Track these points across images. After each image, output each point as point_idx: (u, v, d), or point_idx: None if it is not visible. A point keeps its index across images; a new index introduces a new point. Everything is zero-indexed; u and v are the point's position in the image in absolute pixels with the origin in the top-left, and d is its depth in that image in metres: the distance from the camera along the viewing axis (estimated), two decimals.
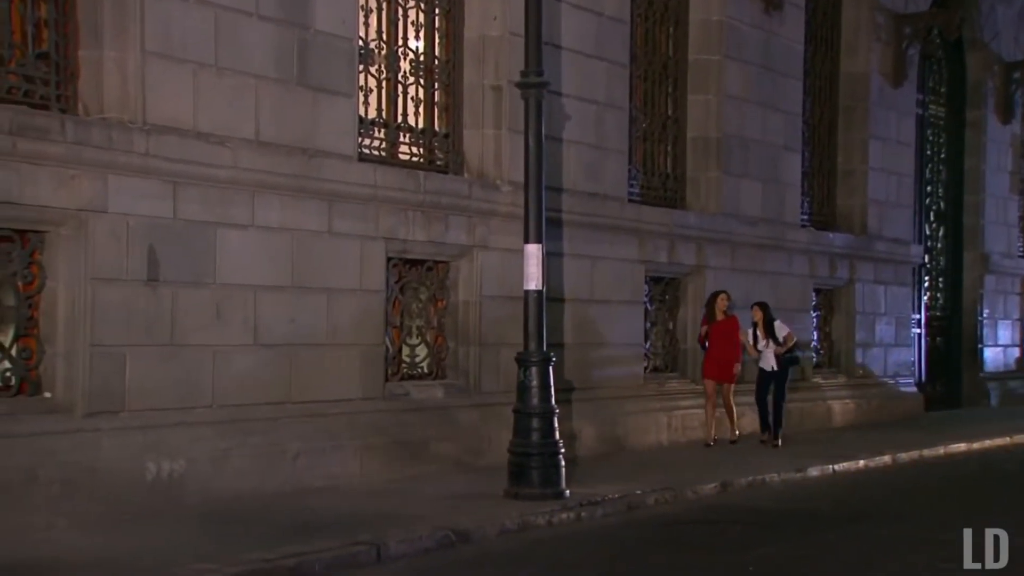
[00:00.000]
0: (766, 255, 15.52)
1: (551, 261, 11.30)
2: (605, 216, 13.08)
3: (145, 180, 8.75)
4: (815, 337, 16.96)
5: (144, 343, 8.78)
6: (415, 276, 11.33)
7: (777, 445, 13.46)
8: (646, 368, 13.95)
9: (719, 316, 13.54)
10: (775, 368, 13.65)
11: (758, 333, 13.66)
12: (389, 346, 10.90)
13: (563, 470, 9.72)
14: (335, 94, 10.22)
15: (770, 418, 13.71)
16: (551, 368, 9.84)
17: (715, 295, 13.67)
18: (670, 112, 14.63)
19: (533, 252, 9.78)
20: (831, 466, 12.33)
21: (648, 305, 14.10)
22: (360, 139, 10.66)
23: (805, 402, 15.99)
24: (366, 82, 10.84)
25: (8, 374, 8.19)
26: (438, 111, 11.63)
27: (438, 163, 11.60)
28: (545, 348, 9.84)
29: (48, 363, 8.37)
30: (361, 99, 10.70)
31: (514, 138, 11.34)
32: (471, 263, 11.56)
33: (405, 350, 11.26)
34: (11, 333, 8.23)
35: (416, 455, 10.74)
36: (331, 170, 10.09)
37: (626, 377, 13.42)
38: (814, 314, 16.90)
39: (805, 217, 16.70)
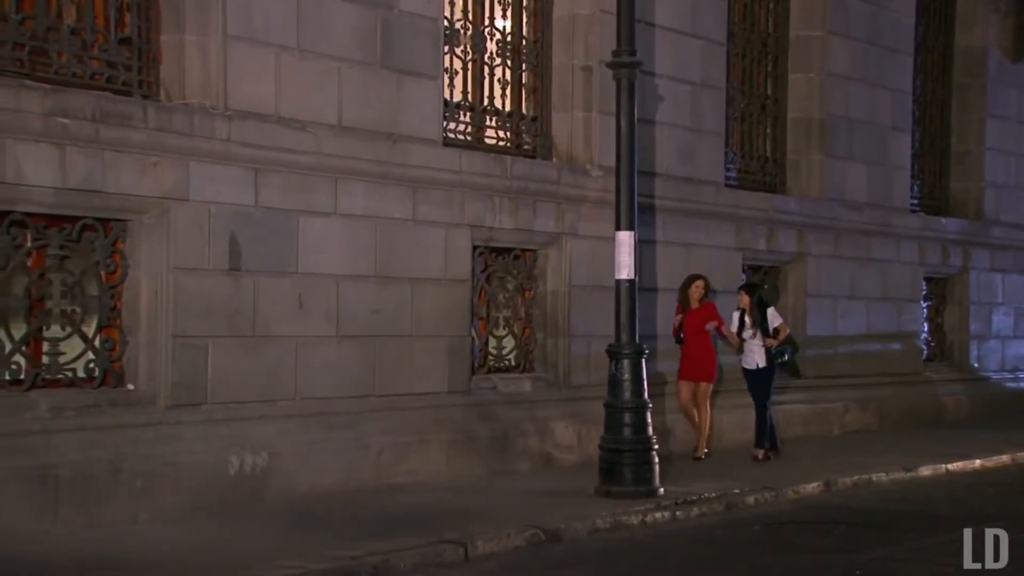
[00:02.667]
0: (872, 242, 15.26)
1: (643, 249, 11.25)
2: (700, 202, 12.97)
3: (227, 167, 8.91)
4: (925, 329, 16.62)
5: (226, 334, 8.94)
6: (502, 265, 11.37)
7: (758, 458, 11.70)
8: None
9: (694, 304, 11.75)
10: (760, 366, 11.80)
11: (746, 320, 11.84)
12: (475, 338, 10.95)
13: (656, 467, 9.69)
14: (420, 76, 10.29)
15: (759, 426, 11.93)
16: (644, 361, 9.80)
17: (691, 279, 11.82)
18: (770, 92, 14.45)
19: (625, 240, 9.74)
20: (944, 465, 12.08)
21: None
22: (445, 123, 10.72)
23: (915, 397, 15.69)
24: (451, 64, 10.90)
25: (92, 365, 8.41)
26: (526, 93, 11.64)
27: (526, 147, 11.61)
28: (637, 340, 9.80)
29: (131, 354, 8.58)
30: (446, 81, 10.76)
31: (605, 121, 11.30)
32: (560, 251, 11.56)
33: (492, 342, 11.31)
34: (94, 324, 8.44)
35: (503, 451, 10.79)
36: (415, 155, 10.16)
37: (722, 370, 13.28)
38: (924, 304, 16.58)
39: (915, 202, 16.38)
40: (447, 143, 10.67)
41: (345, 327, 9.74)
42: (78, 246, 8.31)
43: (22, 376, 8.03)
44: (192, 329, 8.73)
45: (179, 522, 8.10)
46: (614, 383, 9.69)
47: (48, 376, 8.16)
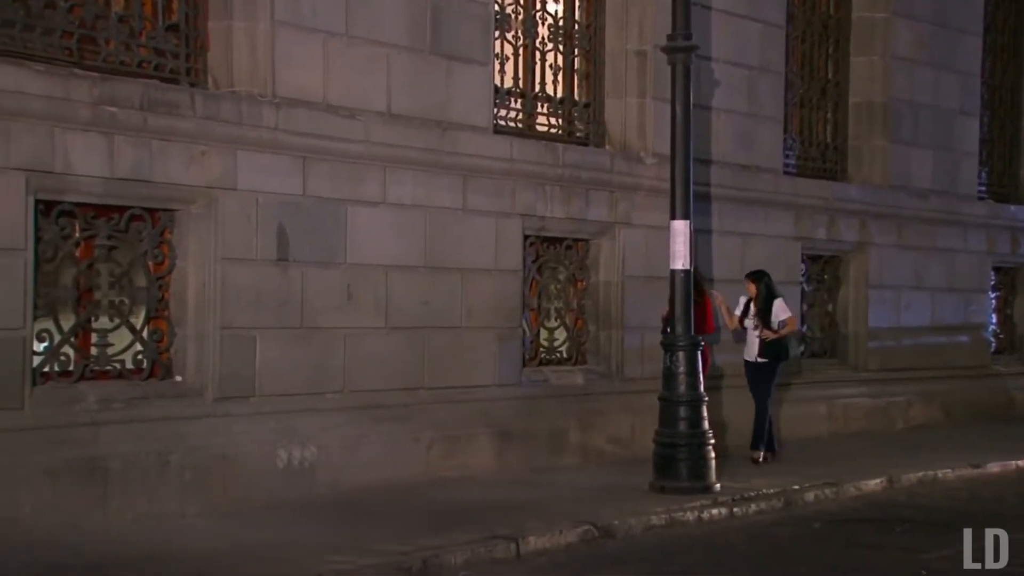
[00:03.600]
0: (938, 231, 15.09)
1: (699, 238, 11.20)
2: (758, 190, 12.90)
3: (274, 156, 9.00)
4: (993, 320, 16.40)
5: (274, 325, 9.04)
6: (553, 255, 11.38)
7: (756, 460, 11.04)
8: (803, 353, 13.70)
9: None
10: (758, 359, 11.24)
11: (750, 309, 11.31)
12: (526, 329, 10.98)
13: (713, 462, 9.66)
14: (470, 63, 10.31)
15: (760, 426, 11.25)
16: (699, 353, 9.76)
17: None
18: (831, 76, 14.32)
19: (680, 229, 9.71)
20: (1014, 462, 11.93)
21: (805, 285, 13.87)
22: (496, 110, 10.74)
23: (982, 391, 15.50)
24: (502, 49, 10.91)
25: (140, 357, 8.53)
26: (578, 79, 11.63)
27: (578, 135, 11.61)
28: (693, 332, 9.76)
29: (179, 346, 8.69)
30: (497, 68, 10.79)
31: (659, 107, 11.26)
32: (613, 241, 11.55)
33: (543, 334, 11.33)
34: (142, 315, 8.57)
35: (555, 445, 10.81)
36: (466, 143, 10.19)
37: None
38: (992, 295, 16.34)
39: (983, 188, 16.16)
40: (498, 131, 10.69)
41: (394, 318, 9.80)
42: (126, 236, 8.43)
43: (71, 368, 8.16)
44: (240, 320, 8.82)
45: (228, 516, 8.20)
46: (669, 376, 9.67)
47: (96, 368, 8.29)
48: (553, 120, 11.41)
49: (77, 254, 8.24)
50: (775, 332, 11.17)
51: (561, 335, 11.46)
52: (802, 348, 11.83)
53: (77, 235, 8.21)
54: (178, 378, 8.69)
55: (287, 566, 6.88)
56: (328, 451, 9.19)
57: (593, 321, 11.59)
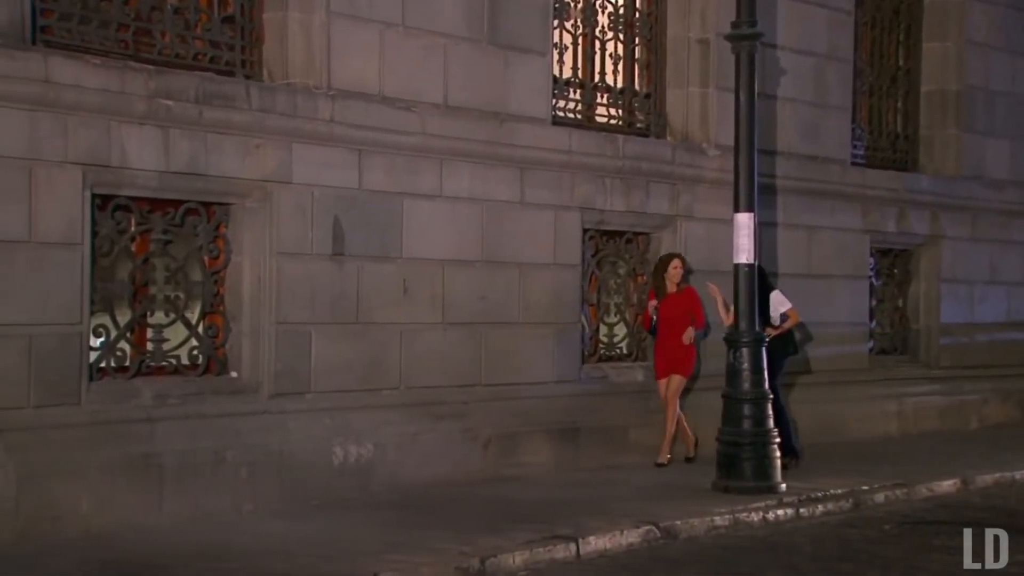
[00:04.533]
0: (1015, 223, 14.91)
1: (763, 231, 11.16)
2: (825, 181, 12.82)
3: (330, 148, 9.09)
4: None
5: (329, 321, 9.14)
6: (613, 249, 11.39)
7: (786, 466, 10.00)
8: (871, 350, 13.63)
9: (671, 288, 10.65)
10: None
11: None
12: (585, 325, 11.00)
13: (778, 461, 9.64)
14: (528, 53, 10.35)
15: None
16: (764, 350, 9.73)
17: (666, 259, 10.73)
18: (901, 63, 14.18)
19: (744, 222, 9.68)
20: None
21: (874, 280, 13.77)
22: (554, 101, 10.77)
23: None
24: (561, 39, 10.93)
25: (196, 352, 8.67)
26: (639, 69, 11.63)
27: (638, 126, 11.60)
28: (757, 328, 9.74)
29: (234, 341, 8.82)
30: (555, 58, 10.81)
31: (723, 97, 11.23)
32: (674, 234, 11.54)
33: (603, 329, 11.35)
34: (198, 310, 8.70)
35: (615, 443, 10.83)
36: (523, 135, 10.23)
37: (848, 359, 13.14)
38: None
39: None
40: (556, 122, 10.72)
41: (451, 314, 9.86)
42: (181, 230, 8.57)
43: (127, 363, 8.32)
44: (295, 315, 8.94)
45: (283, 513, 8.31)
46: (732, 373, 9.65)
47: (152, 363, 8.44)
48: (613, 111, 11.41)
49: (133, 249, 8.38)
50: (776, 327, 10.48)
51: (621, 331, 11.47)
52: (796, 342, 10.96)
53: (133, 229, 8.35)
54: (233, 374, 8.81)
55: (344, 564, 6.96)
56: (384, 448, 9.28)
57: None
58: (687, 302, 10.66)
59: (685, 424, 10.85)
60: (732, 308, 10.07)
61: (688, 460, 10.78)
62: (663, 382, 10.66)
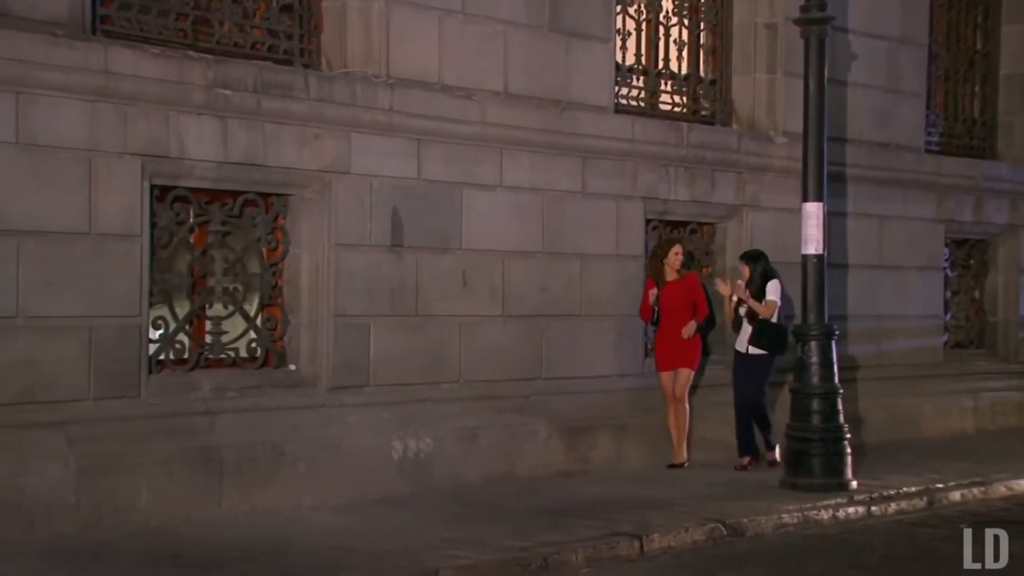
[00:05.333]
0: None
1: (833, 221, 11.12)
2: (897, 169, 12.72)
3: (389, 138, 9.19)
4: None
5: (388, 313, 9.24)
6: (677, 239, 11.36)
7: (777, 461, 10.15)
8: (946, 343, 13.51)
9: (671, 276, 10.29)
10: (749, 351, 10.26)
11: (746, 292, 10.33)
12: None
13: (848, 458, 9.61)
14: (590, 39, 10.38)
15: (762, 429, 10.41)
16: (834, 343, 9.71)
17: (666, 245, 10.40)
18: (979, 46, 14.03)
19: (813, 212, 9.66)
20: None
21: (948, 271, 13.65)
22: (617, 88, 10.79)
23: None
24: (624, 25, 10.95)
25: (254, 345, 8.81)
26: (704, 55, 11.62)
27: (703, 113, 11.59)
28: (826, 320, 9.71)
29: (292, 334, 8.95)
30: (618, 44, 10.84)
31: (791, 83, 11.19)
32: (740, 225, 11.52)
33: None
34: (256, 302, 8.84)
35: None
36: (585, 123, 10.27)
37: (922, 353, 13.04)
38: None
39: None
40: (619, 110, 10.74)
41: (511, 306, 9.93)
42: (239, 222, 8.71)
43: (186, 356, 8.47)
44: (354, 308, 9.05)
45: (342, 508, 8.43)
46: (801, 367, 9.64)
47: (211, 356, 8.59)
48: (677, 98, 11.41)
49: (191, 240, 8.53)
50: (744, 292, 10.17)
51: None
52: (769, 344, 10.26)
53: (191, 221, 8.50)
54: (292, 367, 8.94)
55: (404, 560, 7.06)
56: (443, 443, 9.37)
57: (719, 310, 11.55)
58: (689, 289, 10.29)
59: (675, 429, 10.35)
60: (734, 303, 10.25)
61: (684, 466, 10.32)
62: (666, 376, 10.30)
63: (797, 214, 9.89)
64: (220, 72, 8.29)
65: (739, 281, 10.41)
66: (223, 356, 8.65)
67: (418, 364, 9.40)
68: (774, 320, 10.32)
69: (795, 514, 8.66)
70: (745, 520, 8.35)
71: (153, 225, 8.19)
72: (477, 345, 9.73)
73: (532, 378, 10.09)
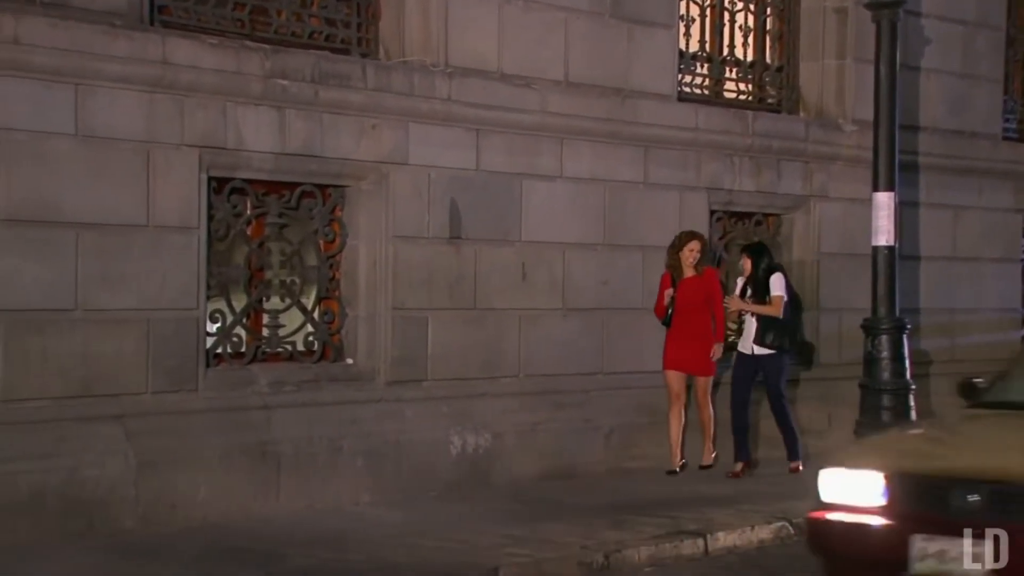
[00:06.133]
0: None
1: (904, 212, 11.04)
2: (972, 158, 12.62)
3: (447, 128, 9.27)
4: None
5: (446, 306, 9.33)
6: (741, 231, 11.40)
7: (798, 469, 9.78)
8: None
9: (687, 272, 9.85)
10: (755, 352, 9.77)
11: (747, 290, 9.90)
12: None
13: None
14: (652, 26, 10.40)
15: (784, 433, 10.06)
16: (905, 337, 9.66)
17: (684, 239, 9.88)
18: None
19: (884, 202, 9.62)
20: None
21: None
22: (680, 76, 10.81)
23: None
24: (687, 11, 10.96)
25: (311, 338, 8.94)
26: (770, 41, 11.60)
27: (769, 101, 11.57)
28: (898, 314, 9.66)
29: (350, 327, 9.06)
30: (682, 30, 10.84)
31: (861, 69, 11.14)
32: (807, 215, 11.49)
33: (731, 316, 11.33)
34: (313, 295, 8.96)
35: None
36: (647, 112, 10.29)
37: (998, 348, 12.87)
38: None
39: None
40: (682, 98, 10.75)
41: (571, 299, 9.98)
42: (296, 214, 8.83)
43: (243, 349, 8.62)
44: (412, 301, 9.15)
45: (401, 504, 8.53)
46: (871, 362, 9.61)
47: (268, 349, 8.73)
48: (742, 86, 11.40)
49: (248, 232, 8.66)
50: (745, 304, 9.77)
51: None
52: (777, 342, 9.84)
53: (248, 213, 8.63)
54: (349, 361, 9.06)
55: (464, 557, 7.14)
56: (503, 438, 9.45)
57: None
58: (706, 286, 9.84)
59: (678, 432, 10.01)
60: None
61: (679, 471, 9.97)
62: (672, 375, 9.83)
63: (867, 204, 9.85)
64: (277, 62, 8.41)
65: (733, 296, 9.93)
66: (280, 350, 8.78)
67: (477, 358, 9.48)
68: (780, 316, 9.86)
69: None
70: None
71: (210, 217, 8.34)
72: (536, 339, 9.79)
73: (593, 373, 10.13)
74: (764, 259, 9.96)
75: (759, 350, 9.84)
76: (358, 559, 7.08)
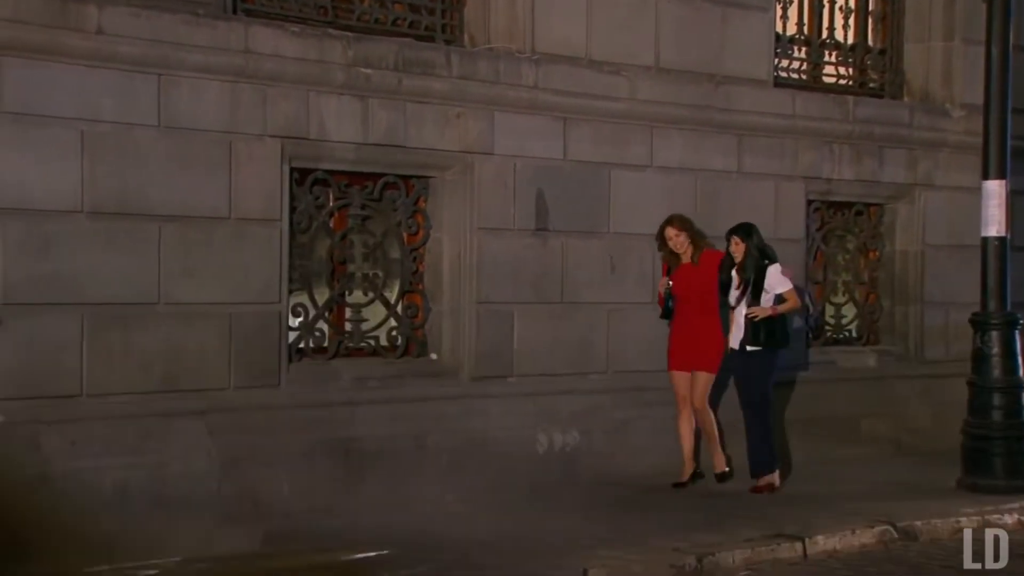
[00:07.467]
0: None
1: (1016, 201, 10.88)
2: None
3: (533, 117, 9.36)
4: None
5: (532, 300, 9.43)
6: (841, 222, 11.35)
7: (762, 489, 9.14)
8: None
9: (685, 259, 9.28)
10: (747, 347, 9.14)
11: (734, 277, 9.24)
12: (810, 306, 10.99)
13: None
14: (747, 8, 10.41)
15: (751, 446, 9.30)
16: (1017, 333, 9.57)
17: (661, 227, 9.31)
18: None
19: (995, 190, 9.54)
20: None
21: None
22: (776, 60, 10.80)
23: None
24: None
25: (394, 333, 9.08)
26: (872, 22, 11.53)
27: (871, 85, 11.51)
28: (1009, 308, 9.58)
29: (433, 322, 9.20)
30: (779, 13, 10.85)
31: (970, 51, 11.04)
32: (911, 205, 11.42)
33: (829, 310, 11.33)
34: (396, 289, 9.10)
35: (844, 434, 10.81)
36: (741, 98, 10.30)
37: None
38: None
39: None
40: (778, 83, 10.75)
41: None
42: (379, 205, 8.98)
43: (325, 344, 8.78)
44: (496, 295, 9.25)
45: (486, 502, 8.62)
46: (980, 359, 9.53)
47: (351, 344, 8.88)
48: (842, 70, 11.35)
49: (331, 225, 8.82)
50: (769, 309, 9.09)
51: (850, 312, 11.43)
52: (809, 326, 9.57)
53: (331, 205, 8.79)
54: (433, 356, 9.19)
55: (551, 559, 7.19)
56: (591, 436, 9.52)
57: (887, 296, 11.48)
58: (705, 273, 9.27)
59: (689, 438, 9.54)
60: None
61: (688, 483, 9.43)
62: (678, 376, 9.40)
63: (975, 193, 9.77)
64: (360, 50, 8.55)
65: (760, 307, 9.11)
66: (363, 345, 8.93)
67: (563, 354, 9.56)
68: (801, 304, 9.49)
69: (974, 518, 8.52)
70: (918, 523, 8.28)
71: (292, 209, 8.50)
72: (625, 334, 9.85)
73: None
74: (754, 239, 9.15)
75: (752, 347, 9.14)
76: (441, 558, 7.13)
